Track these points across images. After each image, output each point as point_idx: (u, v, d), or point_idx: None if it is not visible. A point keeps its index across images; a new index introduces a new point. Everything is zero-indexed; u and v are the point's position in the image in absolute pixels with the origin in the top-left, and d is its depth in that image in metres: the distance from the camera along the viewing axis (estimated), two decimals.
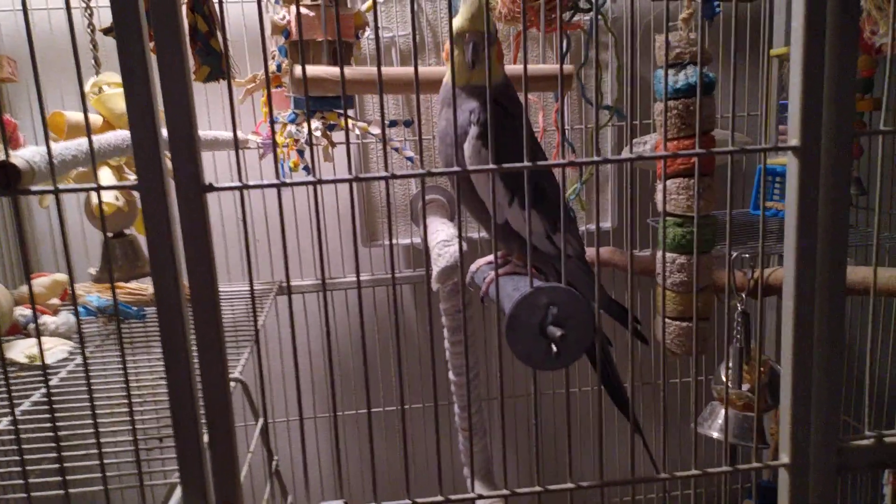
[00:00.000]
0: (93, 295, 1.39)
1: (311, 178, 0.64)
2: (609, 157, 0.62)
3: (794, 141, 0.64)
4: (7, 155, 0.60)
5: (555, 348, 0.66)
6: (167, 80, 0.61)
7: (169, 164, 0.62)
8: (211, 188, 0.62)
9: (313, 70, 1.18)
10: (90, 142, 0.64)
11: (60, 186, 0.61)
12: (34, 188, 0.62)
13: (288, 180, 0.65)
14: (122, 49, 0.59)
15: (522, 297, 0.67)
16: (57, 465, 0.66)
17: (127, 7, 0.59)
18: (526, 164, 0.64)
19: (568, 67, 1.16)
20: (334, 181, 0.65)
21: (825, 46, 0.62)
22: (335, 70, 1.18)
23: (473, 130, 0.83)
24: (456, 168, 0.64)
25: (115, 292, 0.68)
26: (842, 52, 0.62)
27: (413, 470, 1.75)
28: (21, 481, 0.66)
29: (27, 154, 0.63)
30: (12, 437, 0.91)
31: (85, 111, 0.65)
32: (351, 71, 1.22)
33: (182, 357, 0.64)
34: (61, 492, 0.66)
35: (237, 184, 0.63)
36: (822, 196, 0.65)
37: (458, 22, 0.83)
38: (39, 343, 0.67)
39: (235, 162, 0.65)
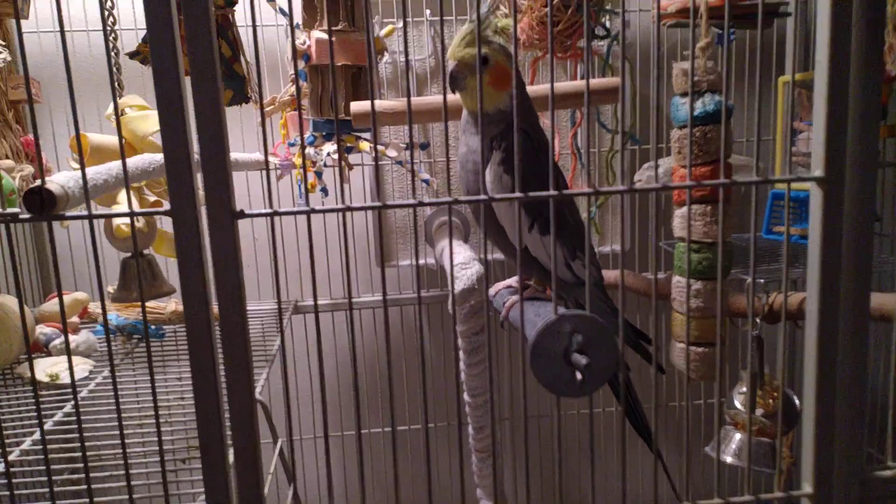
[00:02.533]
0: (112, 314, 1.40)
1: (340, 206, 0.65)
2: (635, 187, 0.63)
3: (818, 172, 0.65)
4: (43, 181, 0.62)
5: (579, 376, 0.67)
6: (201, 106, 0.62)
7: (200, 189, 0.63)
8: (242, 214, 0.63)
9: (363, 106, 1.19)
10: (124, 166, 0.65)
11: (93, 212, 0.63)
12: (69, 213, 0.63)
13: (317, 207, 0.66)
14: (158, 74, 0.60)
15: (546, 325, 0.68)
16: (83, 486, 0.67)
17: (163, 32, 0.60)
18: (551, 192, 0.65)
19: (614, 80, 1.16)
20: (363, 208, 0.66)
21: (849, 78, 0.63)
22: (388, 103, 1.19)
23: (496, 156, 0.84)
24: (483, 196, 0.65)
25: (144, 313, 0.69)
26: (866, 85, 0.63)
27: (420, 489, 1.75)
28: (48, 503, 0.67)
29: (61, 179, 0.64)
30: (38, 456, 0.92)
31: (120, 136, 0.66)
32: (382, 104, 1.23)
33: (210, 379, 0.65)
34: None
35: (268, 210, 0.64)
36: (847, 226, 0.66)
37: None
38: (70, 362, 0.68)
39: (266, 187, 0.66)
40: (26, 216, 0.62)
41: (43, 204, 0.61)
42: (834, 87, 0.63)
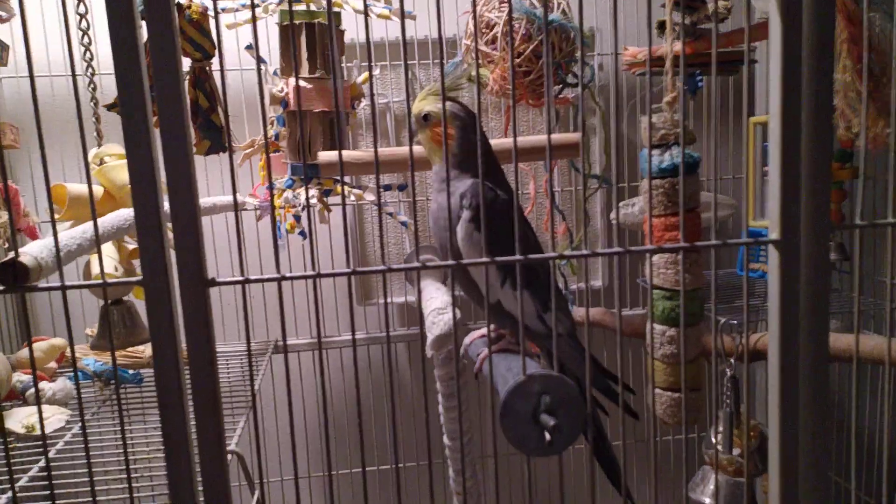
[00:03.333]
0: (89, 358, 1.40)
1: (310, 273, 0.66)
2: (598, 251, 0.65)
3: (774, 235, 0.67)
4: (17, 253, 0.62)
5: (548, 436, 0.68)
6: (170, 155, 0.61)
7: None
8: (214, 283, 0.64)
9: (331, 156, 1.21)
10: (95, 227, 0.66)
11: (66, 283, 0.64)
12: (41, 285, 0.64)
13: (288, 274, 0.67)
14: (127, 129, 0.60)
15: (516, 384, 0.69)
16: None
17: (132, 82, 0.60)
18: (518, 257, 0.66)
19: (574, 136, 1.21)
20: (333, 275, 0.67)
21: (801, 149, 0.65)
22: (356, 154, 1.22)
23: (465, 214, 0.86)
24: (451, 262, 0.67)
25: (114, 360, 0.70)
26: (816, 155, 0.66)
27: None
28: None
29: (34, 250, 0.65)
30: None
31: (89, 189, 0.67)
32: (349, 155, 1.25)
33: (182, 438, 0.65)
34: None
35: (239, 278, 0.65)
36: (803, 284, 0.68)
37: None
38: (40, 413, 0.68)
39: (238, 254, 0.67)
40: (0, 288, 0.62)
41: (17, 276, 0.62)
42: (786, 155, 0.65)
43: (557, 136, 1.17)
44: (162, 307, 0.64)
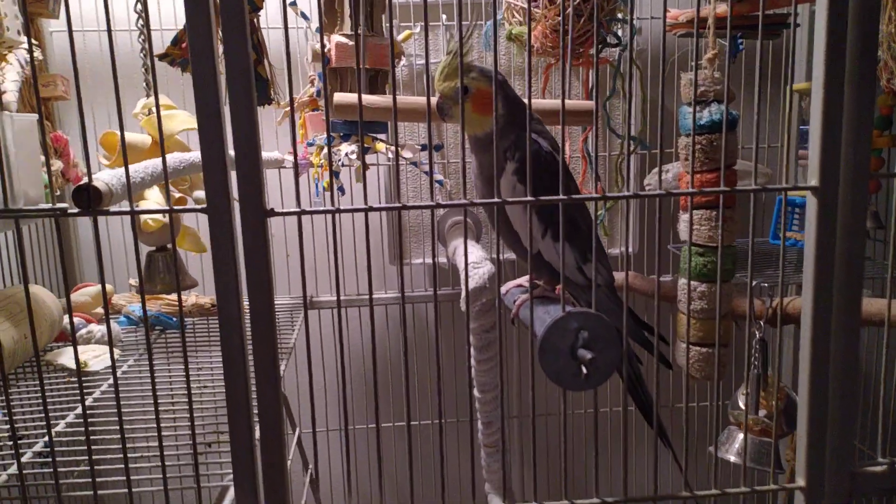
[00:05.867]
0: (135, 305, 1.46)
1: (363, 206, 0.69)
2: (640, 192, 0.67)
3: (813, 181, 0.69)
4: (90, 178, 0.66)
5: (584, 370, 0.71)
6: (236, 109, 0.66)
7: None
8: (273, 213, 0.68)
9: (347, 97, 1.24)
10: (164, 166, 0.70)
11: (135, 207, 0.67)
12: (112, 209, 0.68)
13: (341, 206, 0.70)
14: (197, 76, 0.64)
15: (554, 321, 0.72)
16: (120, 465, 0.72)
17: (202, 36, 0.64)
18: (561, 197, 0.69)
19: (589, 103, 1.22)
20: (384, 208, 0.70)
21: (844, 94, 0.67)
22: (372, 98, 1.24)
23: (510, 167, 0.89)
24: (496, 199, 0.69)
25: (181, 302, 0.74)
26: (860, 99, 0.67)
27: (426, 483, 1.79)
28: (88, 479, 0.72)
29: (105, 177, 0.69)
30: (75, 437, 0.97)
31: (161, 135, 0.71)
32: (383, 99, 1.28)
33: (240, 368, 0.69)
34: (125, 490, 0.71)
35: (297, 209, 0.69)
36: (839, 233, 0.70)
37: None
38: (111, 348, 0.72)
39: (295, 186, 0.70)
40: (74, 211, 0.66)
41: (90, 200, 0.65)
42: (829, 102, 0.67)
43: (570, 103, 1.18)
44: (224, 236, 0.67)
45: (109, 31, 0.66)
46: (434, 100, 0.93)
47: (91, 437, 0.74)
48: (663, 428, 0.88)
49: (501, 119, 0.90)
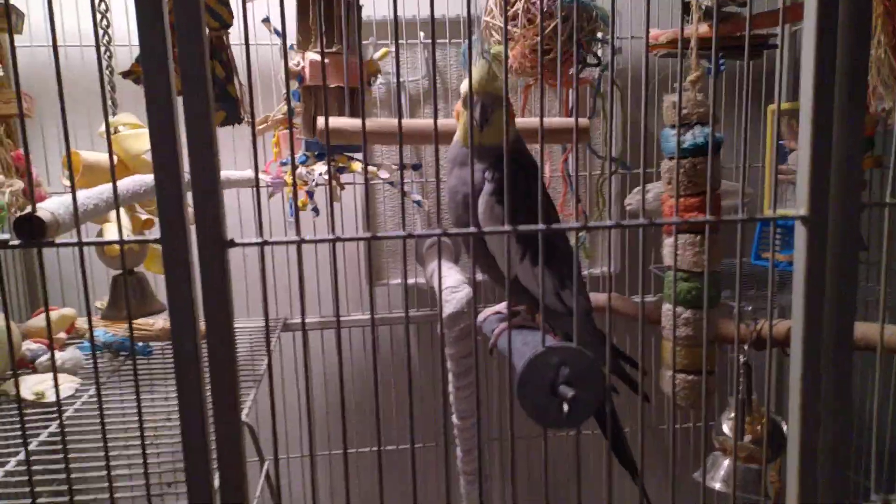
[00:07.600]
0: (99, 330, 1.40)
1: (330, 237, 0.65)
2: (622, 222, 0.64)
3: (802, 210, 0.66)
4: (34, 208, 0.62)
5: (566, 408, 0.67)
6: (193, 132, 0.62)
7: (190, 212, 0.63)
8: (233, 244, 0.64)
9: (335, 121, 1.20)
10: (115, 190, 0.66)
11: (83, 239, 0.63)
12: (59, 240, 0.63)
13: (307, 236, 0.66)
14: (150, 94, 0.60)
15: (534, 356, 0.68)
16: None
17: (155, 52, 0.60)
18: (541, 226, 0.65)
19: (583, 121, 1.19)
20: (353, 239, 0.66)
21: (833, 121, 0.64)
22: (355, 122, 1.20)
23: (488, 187, 0.85)
24: (472, 229, 0.66)
25: (132, 332, 0.69)
26: (849, 126, 0.64)
27: None
28: None
29: (52, 206, 0.64)
30: (23, 478, 0.91)
31: (111, 157, 0.66)
32: (368, 123, 1.24)
33: (197, 403, 0.65)
34: None
35: (258, 240, 0.64)
36: (830, 264, 0.66)
37: (467, 85, 0.85)
38: (55, 378, 0.67)
39: (257, 216, 0.66)
40: (16, 242, 0.62)
41: (33, 231, 0.61)
42: (818, 128, 0.64)
43: (563, 120, 1.16)
44: (180, 267, 0.63)
45: (55, 46, 0.61)
46: (438, 119, 0.89)
47: (48, 475, 0.69)
48: (644, 490, 0.85)
49: (512, 132, 0.87)
